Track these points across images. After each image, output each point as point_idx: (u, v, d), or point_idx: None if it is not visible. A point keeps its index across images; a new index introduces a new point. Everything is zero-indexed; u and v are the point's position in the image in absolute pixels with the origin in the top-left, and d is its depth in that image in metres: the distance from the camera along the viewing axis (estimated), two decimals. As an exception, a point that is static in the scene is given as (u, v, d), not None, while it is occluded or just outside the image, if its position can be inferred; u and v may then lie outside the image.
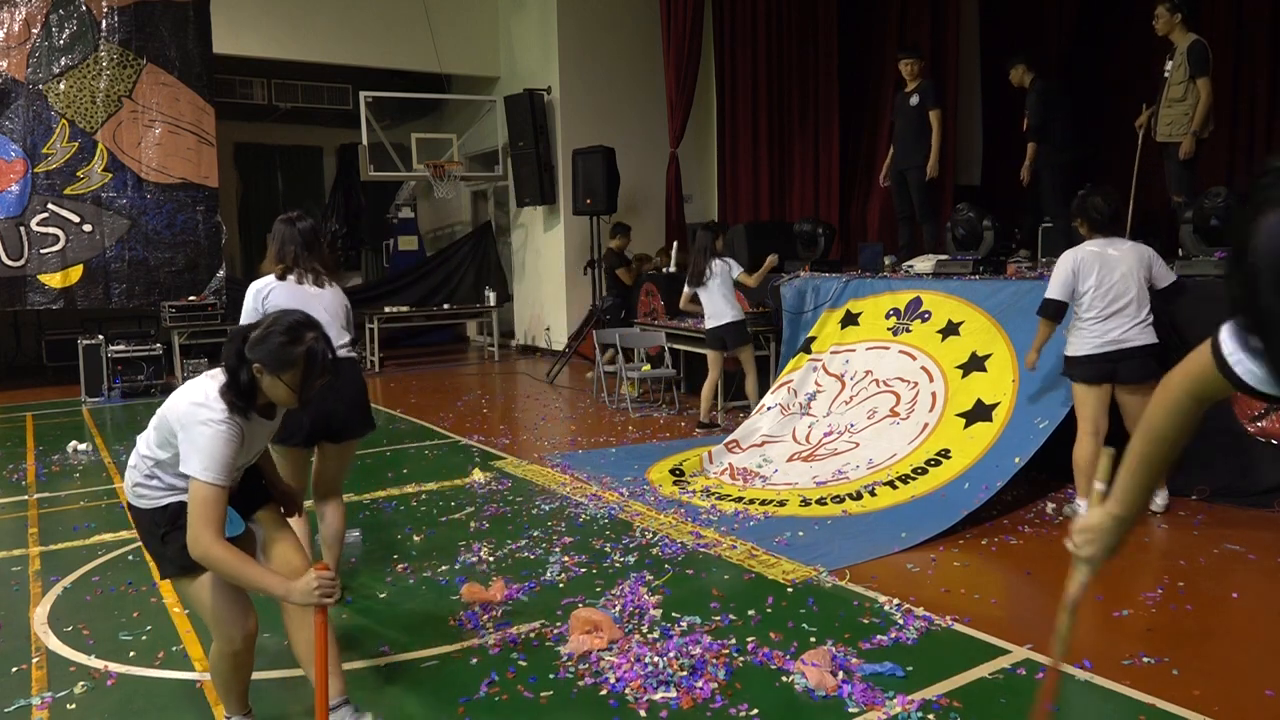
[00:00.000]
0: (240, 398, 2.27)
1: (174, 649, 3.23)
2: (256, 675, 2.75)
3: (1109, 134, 8.90)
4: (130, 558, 4.27)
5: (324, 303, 3.51)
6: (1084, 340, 4.45)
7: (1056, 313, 4.62)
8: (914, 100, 7.33)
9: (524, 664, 3.03)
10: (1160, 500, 4.50)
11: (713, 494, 5.12)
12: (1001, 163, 10.16)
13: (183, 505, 2.30)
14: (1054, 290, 4.56)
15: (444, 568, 3.99)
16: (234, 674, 2.52)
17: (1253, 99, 8.28)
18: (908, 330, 5.98)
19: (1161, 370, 4.43)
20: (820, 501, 4.87)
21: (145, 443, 2.40)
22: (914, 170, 7.41)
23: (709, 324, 6.87)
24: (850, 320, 6.44)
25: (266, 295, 3.50)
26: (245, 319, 3.36)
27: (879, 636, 3.17)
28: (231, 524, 2.41)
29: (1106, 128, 8.99)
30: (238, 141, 14.10)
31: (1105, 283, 4.39)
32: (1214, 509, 4.59)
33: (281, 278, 3.56)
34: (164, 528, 2.36)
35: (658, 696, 2.76)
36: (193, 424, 2.24)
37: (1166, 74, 6.03)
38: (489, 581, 3.71)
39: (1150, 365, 4.38)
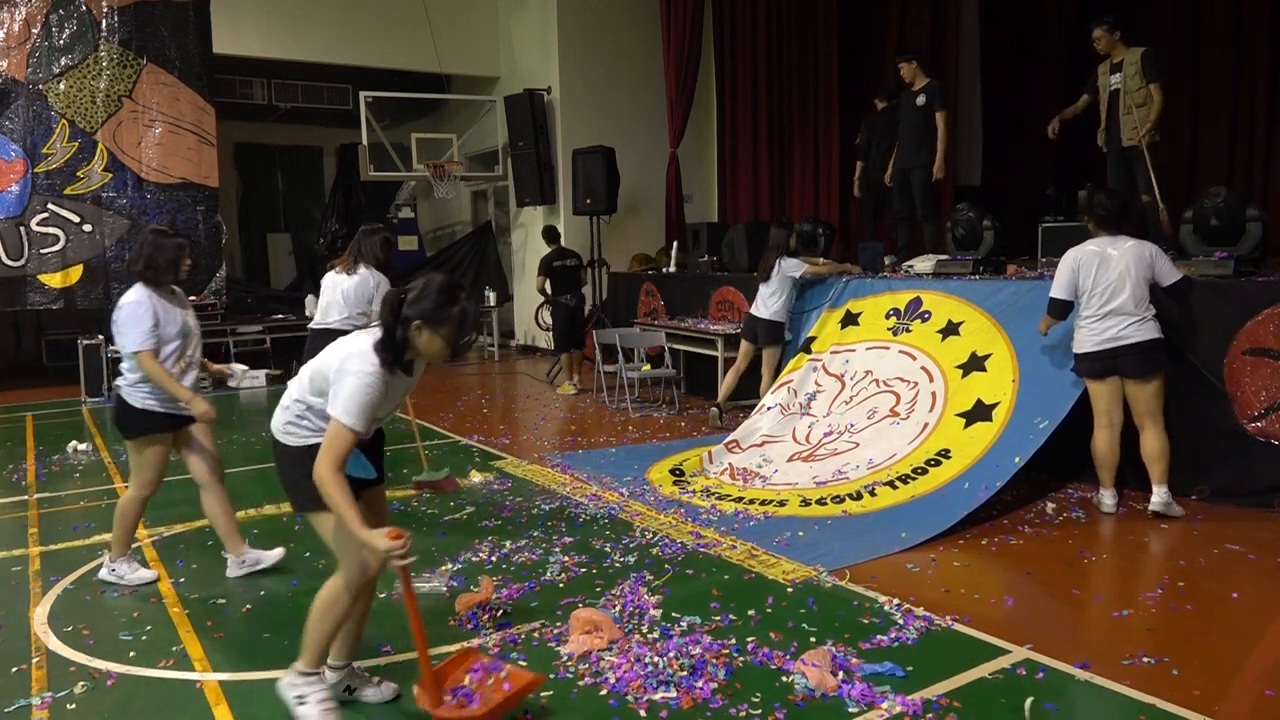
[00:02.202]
0: (392, 353, 2.51)
1: (174, 649, 3.23)
2: (263, 675, 2.75)
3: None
4: (130, 558, 4.27)
5: (342, 287, 4.93)
6: (1085, 338, 4.56)
7: (1061, 311, 4.70)
8: (920, 100, 7.28)
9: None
10: (1158, 500, 4.45)
11: (713, 494, 5.12)
12: (1002, 162, 10.18)
13: None
14: (1057, 289, 4.65)
15: (445, 568, 3.99)
16: (348, 611, 2.62)
17: (1253, 99, 8.28)
18: (908, 330, 5.98)
19: (1167, 364, 4.48)
20: (820, 501, 4.87)
21: (300, 388, 2.65)
22: (918, 170, 7.38)
23: (751, 311, 6.88)
24: (850, 320, 6.44)
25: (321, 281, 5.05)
26: (320, 302, 5.05)
27: (879, 636, 3.17)
28: (364, 467, 2.68)
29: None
30: (238, 141, 14.11)
31: (1102, 282, 4.48)
32: (1214, 509, 4.59)
33: (330, 268, 5.06)
34: (310, 464, 2.50)
35: (658, 696, 2.76)
36: (346, 373, 2.49)
37: (1115, 85, 6.12)
38: (477, 581, 3.70)
39: (1153, 359, 4.44)
